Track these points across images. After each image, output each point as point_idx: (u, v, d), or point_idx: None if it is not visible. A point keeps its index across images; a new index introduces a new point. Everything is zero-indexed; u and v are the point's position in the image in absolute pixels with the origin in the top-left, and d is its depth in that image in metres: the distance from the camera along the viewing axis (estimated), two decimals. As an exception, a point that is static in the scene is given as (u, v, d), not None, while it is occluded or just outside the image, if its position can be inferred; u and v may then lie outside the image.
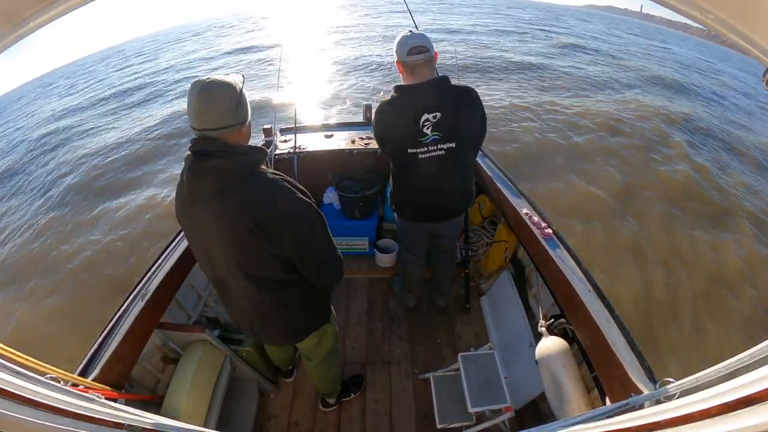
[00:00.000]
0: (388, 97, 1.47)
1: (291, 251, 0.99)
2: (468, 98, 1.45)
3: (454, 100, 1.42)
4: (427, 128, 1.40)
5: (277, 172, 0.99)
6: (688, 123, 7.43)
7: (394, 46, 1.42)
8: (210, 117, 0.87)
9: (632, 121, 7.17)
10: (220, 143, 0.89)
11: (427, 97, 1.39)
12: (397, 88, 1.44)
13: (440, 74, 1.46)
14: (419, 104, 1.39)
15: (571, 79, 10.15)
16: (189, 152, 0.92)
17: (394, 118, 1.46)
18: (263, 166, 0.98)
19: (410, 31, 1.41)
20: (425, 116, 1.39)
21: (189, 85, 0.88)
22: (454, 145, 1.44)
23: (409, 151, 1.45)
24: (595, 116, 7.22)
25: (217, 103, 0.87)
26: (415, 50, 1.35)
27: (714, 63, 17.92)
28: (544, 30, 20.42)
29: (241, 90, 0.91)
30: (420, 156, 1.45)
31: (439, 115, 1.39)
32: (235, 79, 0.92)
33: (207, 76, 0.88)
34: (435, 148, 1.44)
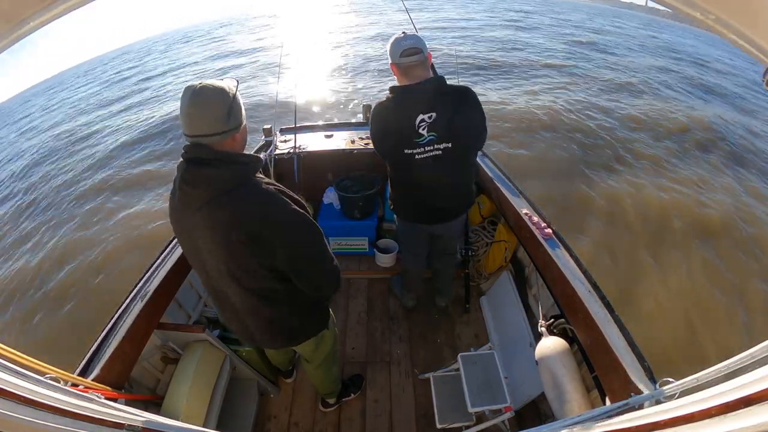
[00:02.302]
0: (383, 98, 1.47)
1: (285, 264, 0.97)
2: (464, 98, 1.43)
3: (451, 100, 1.41)
4: (423, 129, 1.40)
5: (273, 182, 0.97)
6: None
7: (387, 49, 1.41)
8: (202, 123, 0.84)
9: None
10: (215, 151, 0.87)
11: (423, 98, 1.38)
12: (392, 89, 1.44)
13: (439, 74, 1.45)
14: (414, 105, 1.38)
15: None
16: (182, 159, 0.90)
17: (389, 119, 1.45)
18: (259, 174, 0.95)
19: (403, 32, 1.41)
20: (421, 117, 1.38)
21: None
22: (450, 145, 1.43)
23: (406, 151, 1.44)
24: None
25: (209, 109, 0.84)
26: (408, 51, 1.35)
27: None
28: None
29: (234, 95, 0.88)
30: (417, 156, 1.44)
31: (434, 115, 1.38)
32: (228, 83, 0.89)
33: (199, 81, 0.85)
34: (431, 148, 1.43)
